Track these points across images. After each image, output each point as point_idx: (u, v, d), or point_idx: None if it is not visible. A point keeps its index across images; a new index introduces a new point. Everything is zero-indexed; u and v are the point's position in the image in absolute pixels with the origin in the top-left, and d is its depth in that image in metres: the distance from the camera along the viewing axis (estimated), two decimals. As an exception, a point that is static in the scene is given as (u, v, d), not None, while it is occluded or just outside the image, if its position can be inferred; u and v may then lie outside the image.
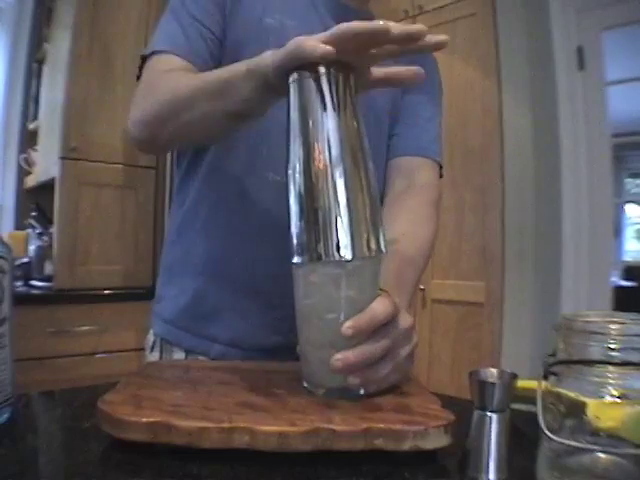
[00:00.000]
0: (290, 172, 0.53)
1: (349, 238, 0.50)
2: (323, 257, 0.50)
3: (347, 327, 0.50)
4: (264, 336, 0.76)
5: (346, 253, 0.50)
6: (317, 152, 0.51)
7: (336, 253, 0.50)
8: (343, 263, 0.51)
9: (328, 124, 0.51)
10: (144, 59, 0.74)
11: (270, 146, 0.75)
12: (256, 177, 0.76)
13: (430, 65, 0.89)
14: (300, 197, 0.52)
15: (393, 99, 0.86)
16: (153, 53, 0.73)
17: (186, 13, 0.74)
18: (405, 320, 0.55)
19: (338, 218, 0.50)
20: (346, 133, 0.51)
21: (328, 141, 0.51)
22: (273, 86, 0.54)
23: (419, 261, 0.77)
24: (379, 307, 0.52)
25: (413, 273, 0.75)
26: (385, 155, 0.85)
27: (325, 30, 0.54)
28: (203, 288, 0.78)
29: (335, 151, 0.50)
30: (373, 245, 0.52)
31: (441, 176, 0.88)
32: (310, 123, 0.51)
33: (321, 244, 0.50)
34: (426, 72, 0.83)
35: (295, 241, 0.52)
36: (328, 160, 0.50)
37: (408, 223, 0.78)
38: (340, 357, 0.50)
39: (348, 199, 0.50)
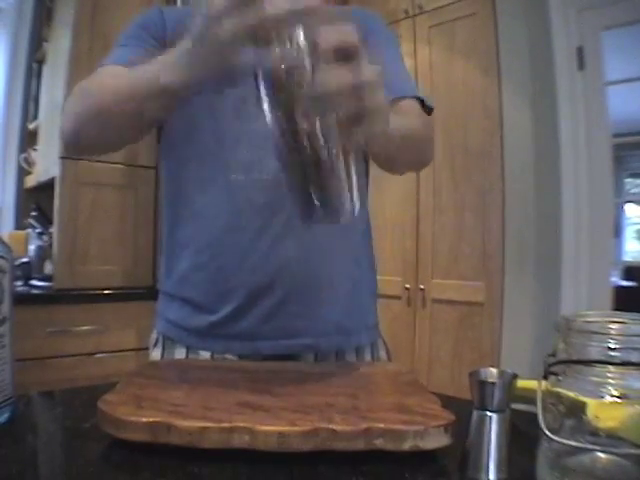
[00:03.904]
0: None
1: None
2: None
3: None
4: (258, 325, 0.77)
5: None
6: None
7: None
8: None
9: None
10: None
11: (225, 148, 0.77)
12: (219, 178, 0.77)
13: (375, 20, 0.91)
14: None
15: None
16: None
17: (134, 46, 0.79)
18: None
19: None
20: None
21: None
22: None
23: (412, 122, 0.76)
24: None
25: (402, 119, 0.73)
26: None
27: None
28: (197, 285, 0.80)
29: None
30: None
31: (430, 111, 0.84)
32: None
33: None
34: (373, 29, 0.87)
35: None
36: None
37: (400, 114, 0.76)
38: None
39: None
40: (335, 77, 0.44)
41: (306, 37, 0.45)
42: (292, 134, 0.46)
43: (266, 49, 0.45)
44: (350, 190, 0.50)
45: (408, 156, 0.80)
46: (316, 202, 0.49)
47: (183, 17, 0.81)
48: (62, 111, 0.74)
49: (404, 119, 0.75)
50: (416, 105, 0.83)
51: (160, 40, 0.79)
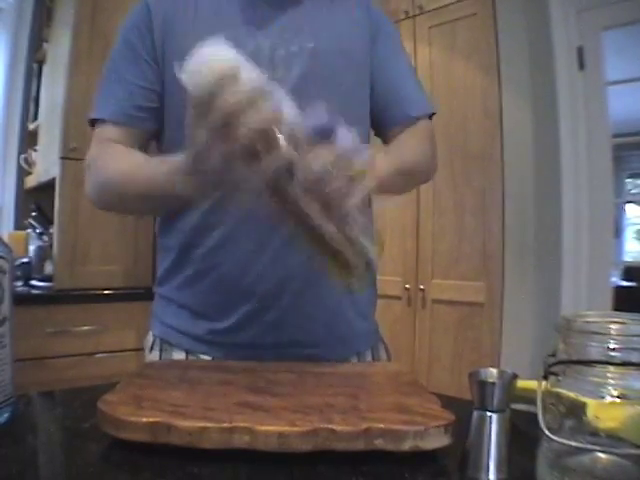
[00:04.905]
0: None
1: None
2: None
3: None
4: (259, 336, 0.76)
5: None
6: None
7: None
8: None
9: None
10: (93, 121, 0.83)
11: None
12: None
13: (379, 17, 0.90)
14: None
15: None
16: (97, 121, 0.82)
17: (120, 77, 0.80)
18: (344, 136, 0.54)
19: None
20: None
21: None
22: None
23: (416, 153, 0.83)
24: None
25: (404, 150, 0.81)
26: (362, 103, 0.85)
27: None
28: (197, 293, 0.79)
29: None
30: None
31: (433, 113, 0.90)
32: None
33: None
34: (381, 26, 0.88)
35: None
36: None
37: (407, 136, 0.84)
38: None
39: None
40: (316, 159, 0.51)
41: (285, 136, 0.51)
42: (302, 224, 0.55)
43: (256, 164, 0.51)
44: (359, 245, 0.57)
45: (411, 188, 0.90)
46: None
47: (171, 8, 0.79)
48: (85, 175, 0.80)
49: (409, 153, 0.82)
50: (426, 124, 0.87)
51: (150, 52, 0.78)
